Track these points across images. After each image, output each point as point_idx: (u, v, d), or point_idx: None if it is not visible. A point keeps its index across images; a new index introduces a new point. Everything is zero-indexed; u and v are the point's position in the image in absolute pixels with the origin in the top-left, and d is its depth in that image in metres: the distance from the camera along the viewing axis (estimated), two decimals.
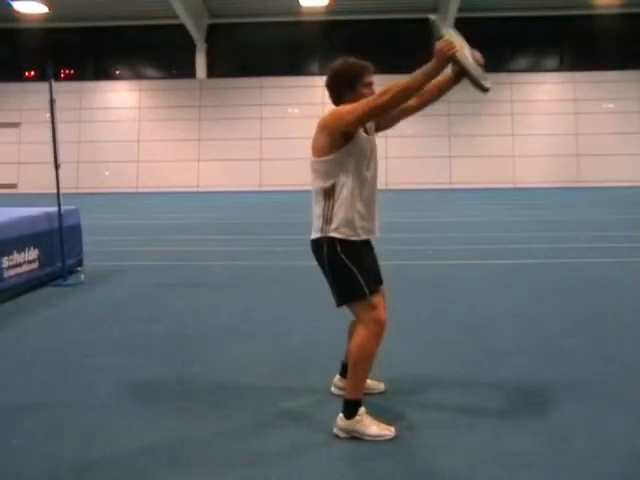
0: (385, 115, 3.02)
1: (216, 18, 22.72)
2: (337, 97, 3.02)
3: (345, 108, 2.89)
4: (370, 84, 3.00)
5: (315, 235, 3.00)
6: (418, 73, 2.80)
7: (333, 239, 2.93)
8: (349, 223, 2.93)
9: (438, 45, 2.81)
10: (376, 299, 2.98)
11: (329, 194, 2.94)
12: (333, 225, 2.93)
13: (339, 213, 2.92)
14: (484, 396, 3.42)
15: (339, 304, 3.04)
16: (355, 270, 2.93)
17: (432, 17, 2.89)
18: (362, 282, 2.92)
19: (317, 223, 2.98)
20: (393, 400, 3.37)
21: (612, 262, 7.50)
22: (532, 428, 3.02)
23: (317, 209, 2.98)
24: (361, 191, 2.95)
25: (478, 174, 21.38)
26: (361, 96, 2.92)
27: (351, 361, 2.98)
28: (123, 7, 21.81)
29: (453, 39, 2.84)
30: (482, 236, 9.92)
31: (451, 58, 2.82)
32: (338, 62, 3.06)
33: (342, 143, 2.89)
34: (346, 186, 2.92)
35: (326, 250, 2.96)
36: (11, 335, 4.78)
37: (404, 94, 2.81)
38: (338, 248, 2.94)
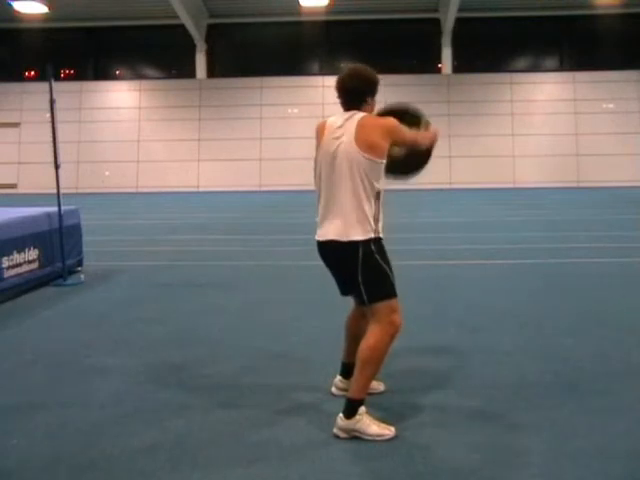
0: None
1: (216, 18, 22.72)
2: (360, 100, 3.10)
3: (404, 129, 3.11)
4: None
5: (358, 236, 2.96)
6: (425, 140, 3.31)
7: (370, 240, 2.98)
8: (382, 226, 3.09)
9: (434, 131, 3.39)
10: (397, 302, 3.03)
11: (378, 196, 3.03)
12: (380, 225, 3.04)
13: (381, 215, 3.06)
14: (484, 396, 3.42)
15: (370, 303, 3.03)
16: (387, 270, 3.01)
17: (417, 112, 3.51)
18: (393, 282, 3.03)
19: (362, 223, 2.96)
20: (393, 400, 3.37)
21: (612, 262, 7.50)
22: (532, 428, 3.02)
23: (363, 208, 2.97)
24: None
25: (478, 174, 21.37)
26: (373, 105, 3.17)
27: (361, 360, 2.97)
28: (123, 7, 21.81)
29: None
30: (482, 236, 9.92)
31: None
32: (360, 67, 3.16)
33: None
34: (383, 191, 3.07)
35: (363, 250, 2.96)
36: (11, 335, 4.78)
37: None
38: (373, 248, 2.98)
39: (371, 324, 3.02)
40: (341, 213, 2.99)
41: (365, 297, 3.02)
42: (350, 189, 2.98)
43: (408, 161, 3.44)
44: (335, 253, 3.05)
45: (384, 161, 3.02)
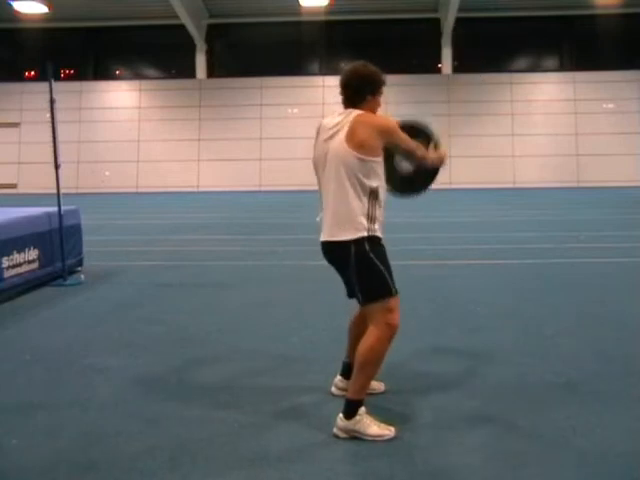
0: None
1: (216, 18, 22.73)
2: (357, 98, 3.06)
3: (403, 135, 3.05)
4: (382, 93, 3.17)
5: (349, 235, 2.94)
6: (429, 158, 3.26)
7: (362, 238, 2.94)
8: (382, 225, 3.04)
9: (443, 153, 3.33)
10: (395, 302, 2.99)
11: (374, 194, 2.97)
12: (377, 224, 2.99)
13: (378, 214, 3.00)
14: (484, 396, 3.42)
15: (364, 302, 3.02)
16: (382, 269, 2.96)
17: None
18: (389, 281, 2.97)
19: (352, 222, 2.94)
20: (393, 400, 3.37)
21: (612, 262, 7.50)
22: (532, 428, 3.02)
23: (352, 207, 2.94)
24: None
25: (478, 174, 21.38)
26: (375, 103, 3.11)
27: (359, 362, 2.97)
28: (123, 7, 21.83)
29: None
30: (482, 236, 9.92)
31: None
32: (360, 64, 3.11)
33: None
34: (382, 189, 3.03)
35: (355, 249, 2.94)
36: (11, 335, 4.78)
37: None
38: (367, 247, 2.95)
39: (369, 325, 3.01)
40: (330, 213, 3.01)
41: (360, 296, 3.02)
42: (338, 189, 2.97)
43: (414, 179, 3.40)
44: (331, 254, 3.06)
45: (376, 159, 2.96)
